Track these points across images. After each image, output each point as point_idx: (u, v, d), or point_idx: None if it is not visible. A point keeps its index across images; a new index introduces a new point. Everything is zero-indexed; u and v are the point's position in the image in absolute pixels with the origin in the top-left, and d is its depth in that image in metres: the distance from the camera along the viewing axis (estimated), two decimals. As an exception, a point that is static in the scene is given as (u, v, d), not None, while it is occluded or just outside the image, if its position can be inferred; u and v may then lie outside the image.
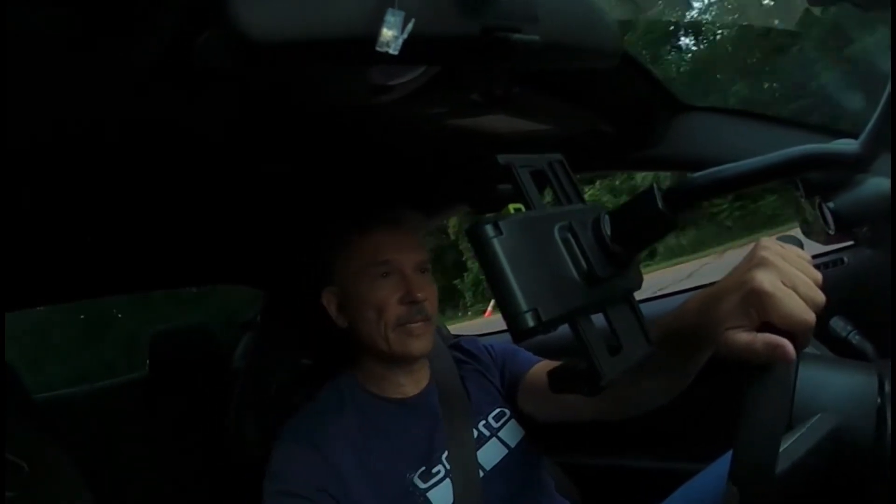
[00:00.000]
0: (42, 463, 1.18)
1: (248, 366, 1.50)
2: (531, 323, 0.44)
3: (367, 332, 1.19)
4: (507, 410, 1.27)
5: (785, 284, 0.65)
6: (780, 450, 0.67)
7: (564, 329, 0.48)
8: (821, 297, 0.66)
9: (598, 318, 0.52)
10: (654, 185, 0.55)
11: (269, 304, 1.90)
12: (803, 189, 1.15)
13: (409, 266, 1.20)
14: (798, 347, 0.64)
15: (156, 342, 2.33)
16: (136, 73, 0.69)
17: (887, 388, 0.79)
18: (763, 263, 0.67)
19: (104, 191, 1.16)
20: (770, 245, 0.69)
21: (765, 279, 0.66)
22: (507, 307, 0.44)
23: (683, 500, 1.12)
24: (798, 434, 0.76)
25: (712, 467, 1.09)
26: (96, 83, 0.72)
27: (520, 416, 1.27)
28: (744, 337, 0.67)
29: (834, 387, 0.83)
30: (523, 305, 0.44)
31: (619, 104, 1.16)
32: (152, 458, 2.13)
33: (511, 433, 1.24)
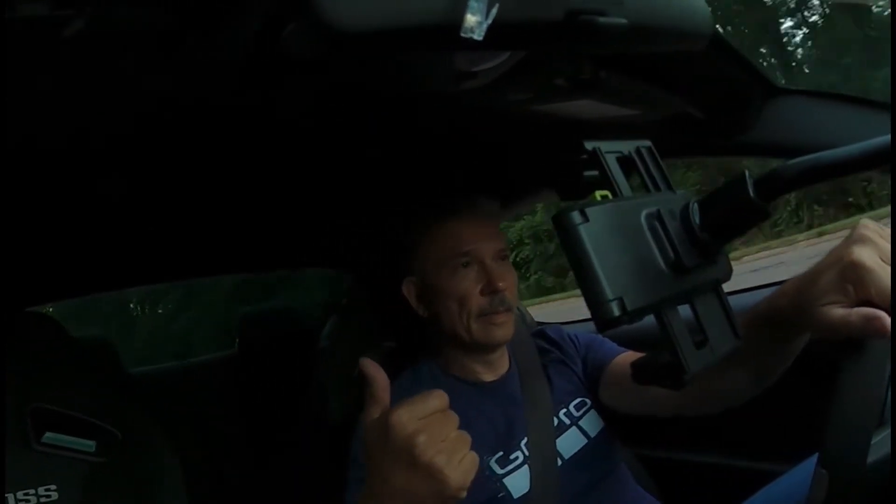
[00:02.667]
0: (134, 432, 1.24)
1: (332, 347, 1.54)
2: (616, 312, 0.43)
3: (449, 322, 1.20)
4: (587, 400, 1.26)
5: (883, 260, 0.65)
6: (872, 442, 0.64)
7: (649, 319, 0.47)
8: None
9: (685, 310, 0.51)
10: (746, 172, 0.53)
11: (356, 287, 1.94)
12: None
13: (488, 255, 1.19)
14: None
15: (246, 322, 2.42)
16: (224, 65, 0.71)
17: None
18: (862, 240, 0.67)
19: (200, 177, 1.21)
20: (870, 224, 0.69)
21: (863, 253, 0.66)
22: (591, 295, 0.44)
23: (765, 502, 1.09)
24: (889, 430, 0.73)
25: (796, 470, 1.04)
26: (187, 76, 0.75)
27: (600, 407, 1.26)
28: (839, 311, 0.67)
29: None
30: (608, 294, 0.43)
31: (709, 88, 1.12)
32: (239, 433, 2.22)
33: (591, 423, 1.23)
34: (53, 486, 1.12)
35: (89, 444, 1.17)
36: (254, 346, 2.36)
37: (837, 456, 0.62)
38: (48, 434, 1.14)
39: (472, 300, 1.17)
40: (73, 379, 1.23)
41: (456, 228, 1.20)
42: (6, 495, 1.08)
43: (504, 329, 1.19)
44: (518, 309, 1.69)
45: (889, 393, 0.76)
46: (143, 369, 2.60)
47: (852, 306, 0.67)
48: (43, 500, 1.10)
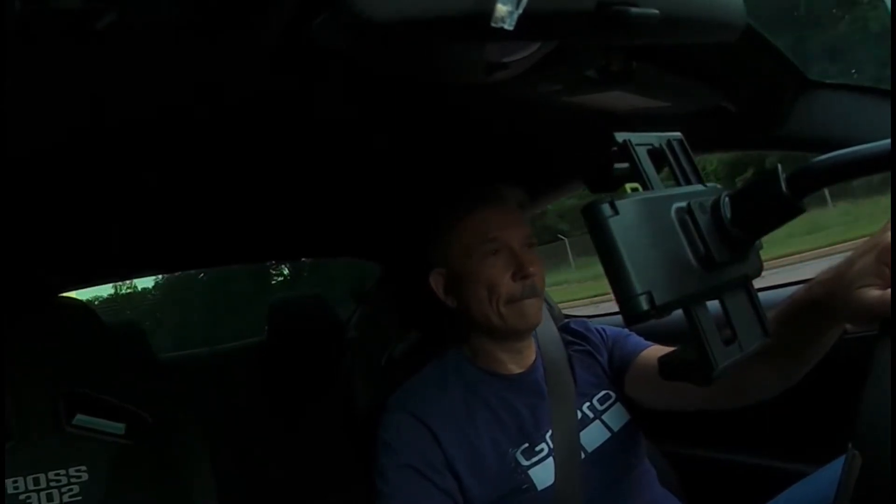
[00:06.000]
0: (163, 417, 1.27)
1: (359, 337, 1.55)
2: (644, 306, 0.43)
3: (480, 310, 1.19)
4: (612, 393, 1.25)
5: None
6: None
7: (677, 314, 0.47)
8: None
9: (714, 305, 0.50)
10: (779, 167, 0.52)
11: (384, 277, 1.95)
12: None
13: (516, 242, 1.19)
14: None
15: (274, 310, 2.44)
16: (254, 55, 0.71)
17: None
18: None
19: (231, 166, 1.22)
20: None
21: None
22: (620, 289, 0.43)
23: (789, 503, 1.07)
24: None
25: (823, 471, 1.02)
26: (217, 66, 0.76)
27: (625, 401, 1.25)
28: (875, 292, 0.68)
29: None
30: (637, 288, 0.43)
31: (742, 80, 1.10)
32: (266, 419, 2.25)
33: (615, 417, 1.23)
34: (83, 467, 1.14)
35: (119, 427, 1.20)
36: (282, 334, 2.38)
37: (870, 438, 0.61)
38: (79, 416, 1.16)
39: (503, 286, 1.17)
40: (104, 363, 1.25)
41: (484, 216, 1.21)
42: (37, 475, 1.11)
43: (534, 313, 1.20)
44: (546, 301, 1.69)
45: None
46: (172, 355, 2.63)
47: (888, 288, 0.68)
48: (73, 480, 1.13)
